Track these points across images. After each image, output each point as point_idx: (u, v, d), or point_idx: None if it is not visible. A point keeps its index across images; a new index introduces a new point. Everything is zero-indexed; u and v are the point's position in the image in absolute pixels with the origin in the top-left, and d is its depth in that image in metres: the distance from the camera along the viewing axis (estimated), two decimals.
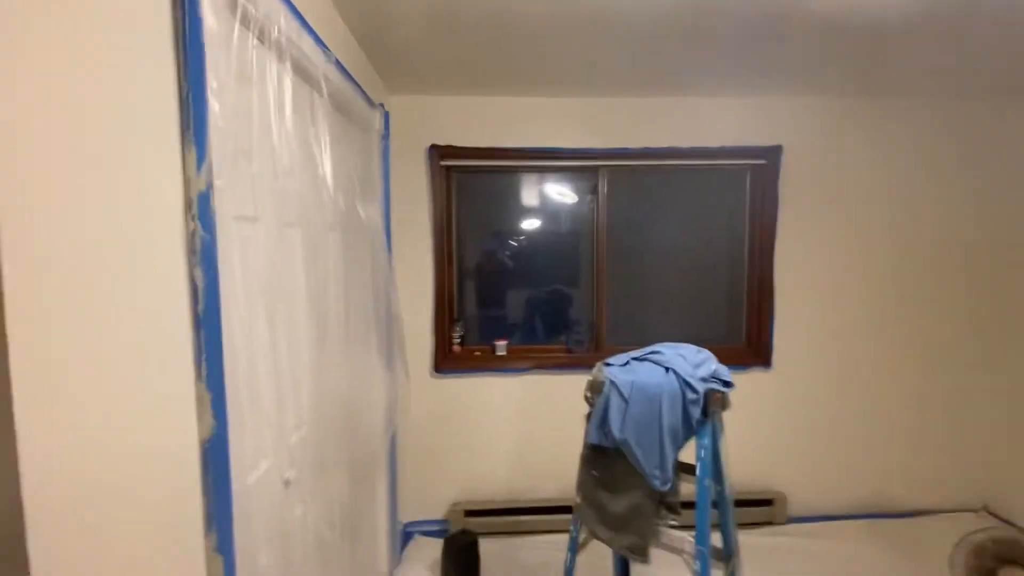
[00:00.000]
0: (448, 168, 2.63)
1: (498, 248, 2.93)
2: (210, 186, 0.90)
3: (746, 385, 2.73)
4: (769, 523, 2.70)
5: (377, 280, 2.11)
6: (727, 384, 1.43)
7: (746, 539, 2.53)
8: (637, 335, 2.85)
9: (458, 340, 2.73)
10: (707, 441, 1.35)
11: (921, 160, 2.67)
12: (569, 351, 2.78)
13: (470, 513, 2.62)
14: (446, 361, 2.68)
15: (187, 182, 0.86)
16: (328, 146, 1.57)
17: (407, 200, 2.56)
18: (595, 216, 2.75)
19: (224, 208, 0.96)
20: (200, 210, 0.88)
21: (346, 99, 1.77)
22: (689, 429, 1.35)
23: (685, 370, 1.36)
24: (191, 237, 0.87)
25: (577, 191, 2.82)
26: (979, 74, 2.30)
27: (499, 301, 2.95)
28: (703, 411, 1.35)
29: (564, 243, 2.91)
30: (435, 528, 2.68)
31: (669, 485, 1.31)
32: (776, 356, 2.73)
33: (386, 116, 2.31)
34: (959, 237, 2.72)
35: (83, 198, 0.67)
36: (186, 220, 0.87)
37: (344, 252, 1.82)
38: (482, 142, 2.59)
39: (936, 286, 2.74)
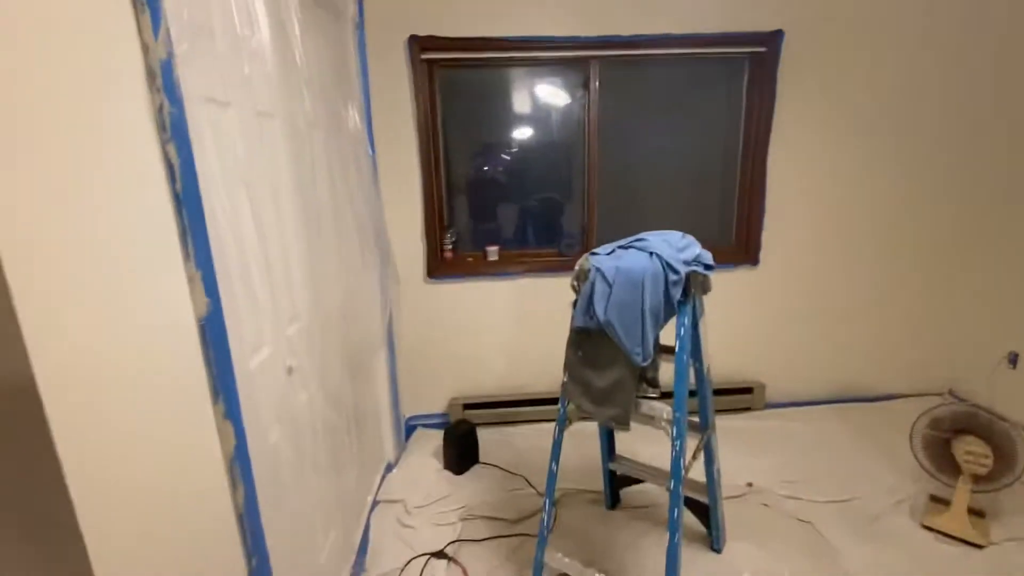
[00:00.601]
0: (431, 63, 2.49)
1: (488, 154, 2.85)
2: (171, 55, 0.86)
3: (734, 283, 2.82)
4: (749, 409, 2.89)
5: (363, 184, 2.08)
6: (709, 267, 1.47)
7: (727, 422, 2.77)
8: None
9: (450, 246, 2.74)
10: (687, 320, 1.41)
11: (929, 40, 2.54)
12: (561, 255, 2.81)
13: (468, 407, 2.79)
14: (439, 267, 2.71)
15: (146, 48, 0.82)
16: (299, 31, 1.48)
17: (388, 98, 2.46)
18: (586, 114, 2.66)
19: (190, 85, 0.93)
20: (164, 82, 0.85)
21: None
22: (671, 309, 1.41)
23: (668, 254, 1.39)
24: (159, 111, 0.85)
25: (568, 88, 2.70)
26: None
27: (491, 208, 2.93)
28: (684, 292, 1.40)
29: (556, 147, 2.82)
30: (436, 421, 2.87)
31: (649, 361, 1.39)
32: (763, 254, 2.77)
33: (360, 3, 2.15)
34: (958, 125, 2.65)
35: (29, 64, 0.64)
36: (151, 92, 0.84)
37: (327, 151, 1.78)
38: (465, 32, 2.43)
39: (918, 182, 2.72)
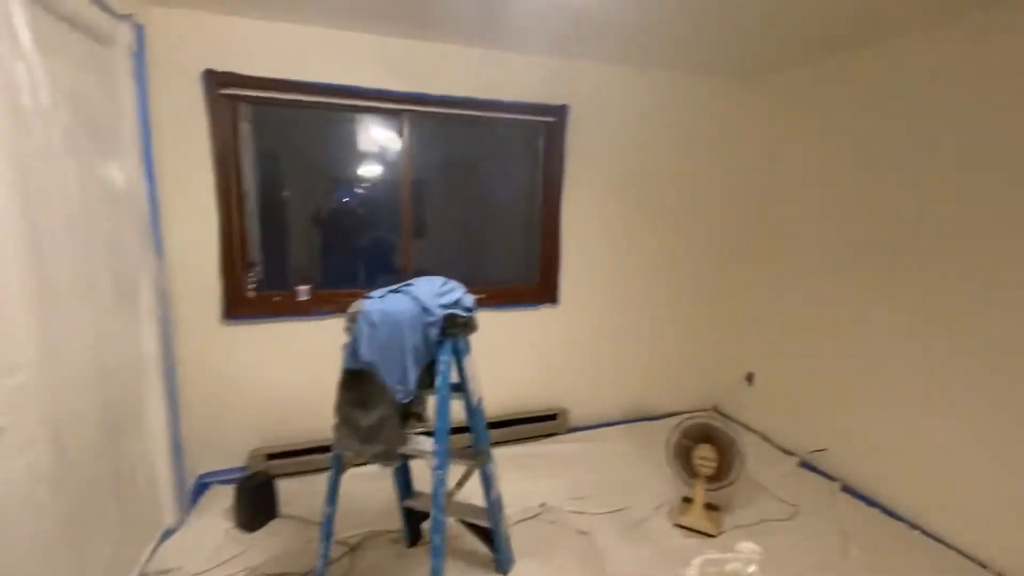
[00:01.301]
0: (232, 98, 2.43)
1: (310, 192, 2.83)
2: None
3: (538, 319, 3.12)
4: (554, 434, 3.16)
5: (127, 220, 1.93)
6: (468, 310, 1.64)
7: (532, 448, 3.00)
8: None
9: (253, 286, 2.63)
10: (446, 358, 1.55)
11: (673, 121, 3.17)
12: None
13: (273, 456, 2.63)
14: (239, 307, 2.57)
15: None
16: (32, 55, 1.36)
17: (178, 132, 2.33)
18: (401, 161, 2.79)
19: None
20: None
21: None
22: (430, 348, 1.54)
23: (428, 298, 1.54)
24: None
25: (386, 134, 2.82)
26: (716, 54, 2.78)
27: (308, 246, 2.88)
28: (442, 332, 1.54)
29: (379, 188, 2.90)
30: (236, 476, 2.64)
31: (411, 397, 1.49)
32: (562, 293, 3.13)
33: (140, 30, 2.04)
34: (703, 188, 3.33)
35: None
36: None
37: (81, 190, 1.63)
38: (271, 72, 2.43)
39: (683, 231, 3.35)
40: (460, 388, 1.69)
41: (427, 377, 1.61)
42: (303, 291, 2.71)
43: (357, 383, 1.53)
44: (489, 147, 3.08)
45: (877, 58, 2.48)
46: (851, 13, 2.12)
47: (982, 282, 2.11)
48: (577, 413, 3.29)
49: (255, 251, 2.68)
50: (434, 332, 1.51)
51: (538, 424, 3.10)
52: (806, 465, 2.89)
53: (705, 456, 2.41)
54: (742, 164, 3.33)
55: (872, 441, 2.59)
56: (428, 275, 1.67)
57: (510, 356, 3.08)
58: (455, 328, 1.58)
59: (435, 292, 1.58)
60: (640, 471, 2.84)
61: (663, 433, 3.26)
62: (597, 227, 3.14)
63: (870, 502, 2.55)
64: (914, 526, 2.36)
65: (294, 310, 2.67)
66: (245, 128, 2.56)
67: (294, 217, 2.84)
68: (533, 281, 3.18)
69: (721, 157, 3.32)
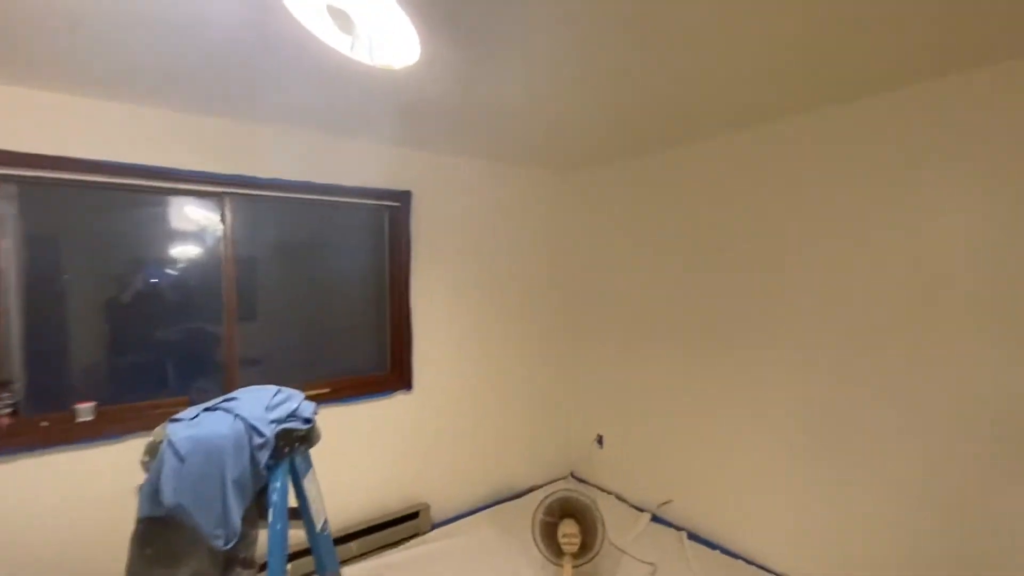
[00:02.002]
0: None
1: (101, 276, 2.33)
2: None
3: (392, 409, 2.93)
4: (416, 535, 2.90)
5: None
6: (308, 421, 1.45)
7: (394, 557, 2.70)
8: (279, 375, 2.71)
9: (8, 410, 2.02)
10: (280, 484, 1.33)
11: (506, 208, 3.42)
12: (192, 402, 2.40)
13: None
14: None
15: None
16: None
17: None
18: (223, 241, 2.50)
19: None
20: None
21: None
22: (259, 476, 1.31)
23: (255, 414, 1.32)
24: None
25: (205, 217, 2.51)
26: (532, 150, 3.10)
27: (98, 344, 2.34)
28: (275, 453, 1.33)
29: (193, 267, 2.52)
30: None
31: (235, 541, 1.23)
32: (416, 379, 3.01)
33: None
34: (540, 268, 3.58)
35: None
36: None
37: None
38: (46, 148, 2.03)
39: (527, 309, 3.53)
40: (301, 514, 1.46)
41: (256, 509, 1.35)
42: (85, 409, 2.17)
43: (158, 534, 1.21)
44: (332, 229, 2.94)
45: (676, 159, 3.02)
46: (637, 128, 2.57)
47: (774, 353, 2.57)
48: (440, 506, 3.09)
49: (14, 364, 2.09)
50: (265, 455, 1.29)
51: (399, 526, 2.83)
52: (656, 519, 3.08)
53: (568, 533, 2.42)
54: (570, 247, 3.68)
55: (707, 487, 2.88)
56: (259, 365, 1.46)
57: (363, 454, 2.81)
58: (292, 445, 1.38)
59: (265, 405, 1.37)
60: (508, 560, 2.72)
61: (527, 511, 3.24)
62: (446, 309, 3.14)
63: (712, 545, 2.79)
64: (749, 562, 2.62)
65: (71, 436, 2.10)
66: (4, 208, 2.06)
67: (80, 312, 2.30)
68: (384, 368, 3.01)
69: (551, 241, 3.64)
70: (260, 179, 2.51)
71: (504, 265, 3.39)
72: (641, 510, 3.19)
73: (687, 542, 2.83)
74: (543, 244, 3.59)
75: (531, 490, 3.52)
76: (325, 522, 1.56)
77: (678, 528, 2.96)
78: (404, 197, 2.96)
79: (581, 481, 3.66)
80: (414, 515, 2.91)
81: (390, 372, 3.01)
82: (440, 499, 3.10)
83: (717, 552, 2.73)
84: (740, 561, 2.65)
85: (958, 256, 1.93)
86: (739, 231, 2.67)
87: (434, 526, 3.01)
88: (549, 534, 2.54)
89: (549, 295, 3.62)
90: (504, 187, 3.38)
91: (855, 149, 2.21)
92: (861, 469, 2.22)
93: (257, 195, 2.55)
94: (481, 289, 3.28)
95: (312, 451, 1.54)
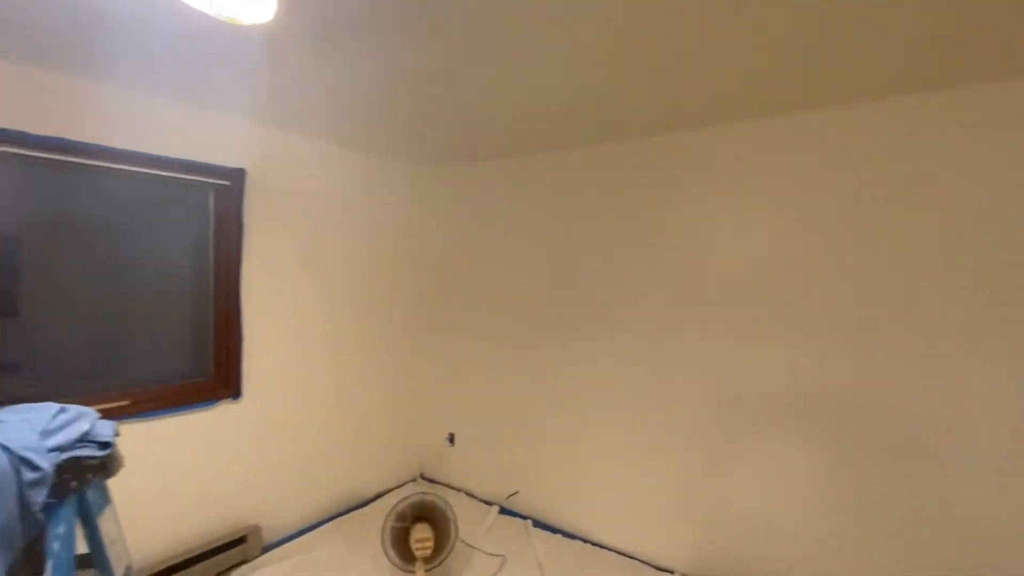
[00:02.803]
0: None
1: None
2: None
3: (217, 420, 2.53)
4: (243, 562, 2.55)
5: None
6: (106, 445, 1.16)
7: None
8: (51, 385, 2.14)
9: None
10: (64, 529, 1.03)
11: (366, 201, 3.22)
12: None
13: None
14: None
15: None
16: None
17: None
18: None
19: None
20: None
21: None
22: (33, 521, 1.00)
23: (24, 442, 1.01)
24: None
25: None
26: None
27: None
28: (56, 490, 1.03)
29: None
30: None
31: None
32: (246, 385, 2.64)
33: None
34: (397, 265, 3.45)
35: None
36: None
37: None
38: None
39: (379, 305, 3.37)
40: (95, 562, 1.15)
41: (29, 563, 1.03)
42: None
43: None
44: (145, 207, 2.40)
45: (537, 165, 3.14)
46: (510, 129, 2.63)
47: (610, 346, 2.83)
48: (275, 525, 2.77)
49: None
50: (40, 494, 0.99)
51: (222, 555, 2.45)
52: (505, 511, 3.19)
53: (421, 538, 2.36)
54: (427, 244, 3.62)
55: (550, 475, 3.06)
56: (19, 373, 1.09)
57: (179, 476, 2.37)
58: (83, 477, 1.08)
59: (40, 429, 1.05)
60: (357, 573, 2.55)
61: (377, 519, 3.08)
62: (285, 306, 2.82)
63: (554, 530, 2.98)
64: (586, 540, 2.86)
65: None
66: None
67: None
68: (207, 374, 2.59)
69: (408, 236, 3.52)
70: (36, 137, 1.95)
71: (354, 260, 3.17)
72: (490, 504, 3.27)
73: (532, 530, 2.98)
74: (400, 239, 3.45)
75: (379, 496, 3.36)
76: (128, 568, 1.26)
77: (524, 517, 3.11)
78: (237, 176, 2.57)
79: (431, 481, 3.61)
80: (239, 540, 2.55)
81: (214, 378, 2.59)
82: (275, 518, 2.78)
83: (559, 536, 2.93)
84: (578, 541, 2.87)
85: (751, 263, 2.36)
86: (584, 235, 2.89)
87: (266, 548, 2.69)
88: (401, 540, 2.45)
89: (402, 292, 3.50)
90: (358, 177, 3.17)
91: (683, 172, 2.56)
92: (672, 443, 2.58)
93: (35, 157, 1.97)
94: (326, 285, 3.02)
95: (113, 480, 1.23)
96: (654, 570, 2.61)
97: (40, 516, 1.00)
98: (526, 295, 3.14)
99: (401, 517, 2.48)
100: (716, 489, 2.47)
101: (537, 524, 3.04)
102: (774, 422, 2.30)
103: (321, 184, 2.95)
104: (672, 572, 2.57)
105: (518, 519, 3.11)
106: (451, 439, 3.54)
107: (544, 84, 1.98)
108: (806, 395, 2.21)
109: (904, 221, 2.01)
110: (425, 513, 2.51)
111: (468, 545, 2.81)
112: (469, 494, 3.41)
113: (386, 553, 2.39)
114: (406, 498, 2.52)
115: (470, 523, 3.02)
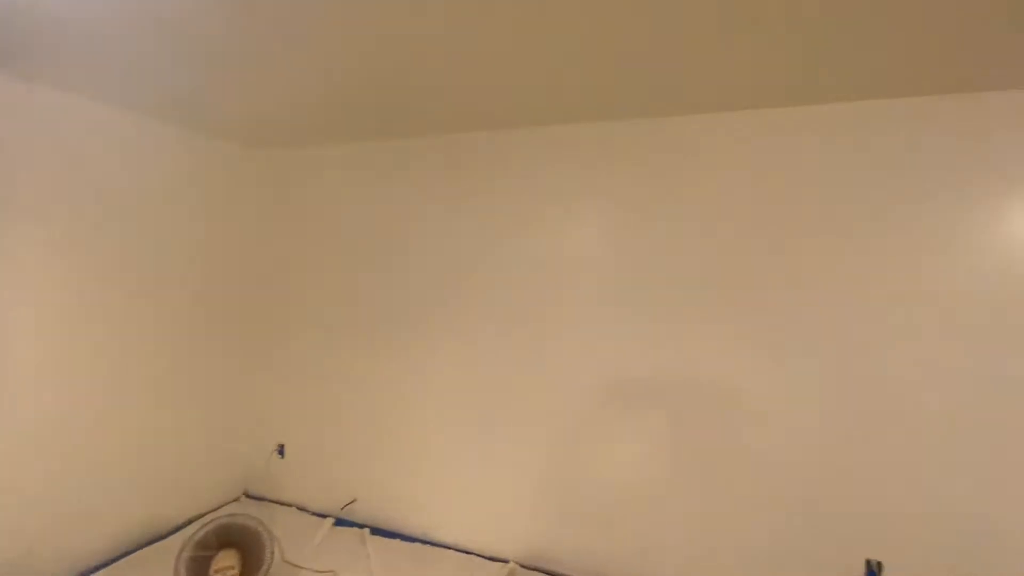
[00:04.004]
0: None
1: None
2: None
3: None
4: None
5: None
6: None
7: None
8: None
9: None
10: None
11: (169, 183, 2.76)
12: None
13: None
14: None
15: None
16: None
17: None
18: None
19: None
20: None
21: None
22: None
23: None
24: None
25: None
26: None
27: None
28: None
29: None
30: None
31: None
32: None
33: None
34: (204, 246, 3.01)
35: None
36: None
37: None
38: None
39: (193, 308, 2.92)
40: None
41: None
42: None
43: None
44: None
45: (379, 152, 2.94)
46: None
47: (446, 343, 2.78)
48: (46, 567, 2.24)
49: None
50: None
51: None
52: (341, 522, 2.98)
53: (223, 567, 2.08)
54: (252, 234, 3.23)
55: (389, 479, 2.93)
56: None
57: None
58: None
59: None
60: None
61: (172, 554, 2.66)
62: (52, 307, 2.29)
63: (392, 535, 2.85)
64: (426, 542, 2.79)
65: None
66: None
67: None
68: None
69: (229, 225, 3.12)
70: None
71: (150, 246, 2.69)
72: (324, 516, 3.03)
73: (369, 538, 2.82)
74: (216, 226, 3.02)
75: (191, 522, 2.92)
76: None
77: (361, 526, 2.93)
78: None
79: (257, 499, 3.24)
80: None
81: None
82: (40, 558, 2.24)
83: (398, 540, 2.81)
84: (417, 543, 2.79)
85: (586, 257, 2.48)
86: (422, 228, 2.81)
87: None
88: (201, 571, 2.13)
89: (218, 289, 3.08)
90: (161, 154, 2.69)
91: (516, 167, 2.60)
92: (516, 436, 2.63)
93: None
94: (114, 280, 2.52)
95: None
96: (488, 561, 2.63)
97: None
98: (362, 291, 2.96)
99: (203, 545, 2.16)
100: (556, 477, 2.56)
101: (376, 531, 2.89)
102: (614, 405, 2.44)
103: (113, 158, 2.45)
104: (507, 561, 2.61)
105: (355, 528, 2.93)
106: (280, 450, 3.22)
107: (357, 68, 1.84)
108: (639, 376, 2.39)
109: (689, 222, 2.27)
110: (233, 538, 2.22)
111: (293, 565, 2.56)
112: (302, 508, 3.13)
113: None
114: (208, 523, 2.20)
115: (300, 540, 2.77)
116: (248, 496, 3.26)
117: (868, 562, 2.05)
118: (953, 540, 1.94)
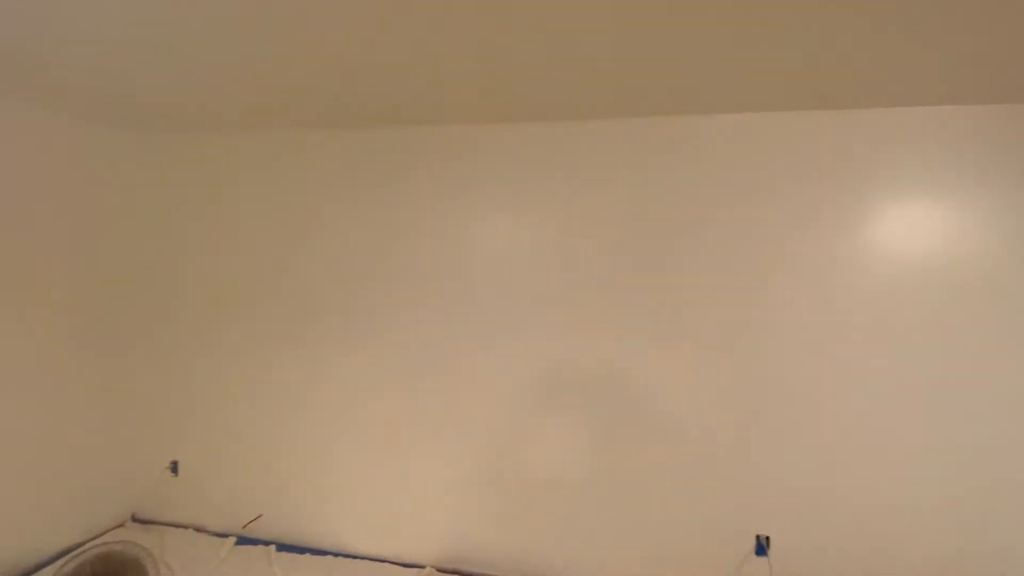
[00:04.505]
0: None
1: None
2: None
3: None
4: None
5: None
6: None
7: None
8: None
9: None
10: None
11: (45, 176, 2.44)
12: None
13: None
14: None
15: None
16: None
17: None
18: None
19: None
20: None
21: None
22: None
23: None
24: None
25: None
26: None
27: None
28: None
29: None
30: None
31: None
32: None
33: None
34: (85, 242, 2.70)
35: None
36: None
37: None
38: None
39: (67, 315, 2.60)
40: None
41: None
42: None
43: None
44: None
45: (287, 142, 2.76)
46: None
47: (357, 352, 2.67)
48: None
49: None
50: None
51: None
52: (244, 540, 2.77)
53: None
54: (140, 227, 2.93)
55: (298, 492, 2.77)
56: None
57: None
58: None
59: None
60: None
61: None
62: None
63: (301, 550, 2.70)
64: (337, 554, 2.66)
65: None
66: None
67: None
68: None
69: (111, 217, 2.80)
70: None
71: (25, 247, 2.36)
72: (226, 536, 2.81)
73: (275, 555, 2.65)
74: (100, 222, 2.71)
75: (63, 554, 2.59)
76: None
77: (267, 543, 2.75)
78: None
79: (147, 523, 2.94)
80: None
81: None
82: None
83: (307, 555, 2.67)
84: (328, 556, 2.66)
85: (497, 258, 2.47)
86: (322, 228, 2.68)
87: None
88: None
89: (100, 289, 2.76)
90: (30, 142, 2.36)
91: (441, 165, 2.54)
92: (427, 438, 2.58)
93: None
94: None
95: None
96: (405, 568, 2.56)
97: None
98: (262, 292, 2.77)
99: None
100: (470, 477, 2.53)
101: (283, 548, 2.72)
102: (526, 403, 2.45)
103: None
104: (423, 567, 2.56)
105: (260, 546, 2.74)
106: (174, 468, 2.94)
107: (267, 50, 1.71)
108: (552, 374, 2.42)
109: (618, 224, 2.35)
110: (111, 568, 2.00)
111: None
112: (200, 529, 2.88)
113: None
114: (80, 553, 1.96)
115: (199, 564, 2.55)
116: (136, 520, 2.95)
117: (758, 537, 2.21)
118: (838, 516, 2.13)
